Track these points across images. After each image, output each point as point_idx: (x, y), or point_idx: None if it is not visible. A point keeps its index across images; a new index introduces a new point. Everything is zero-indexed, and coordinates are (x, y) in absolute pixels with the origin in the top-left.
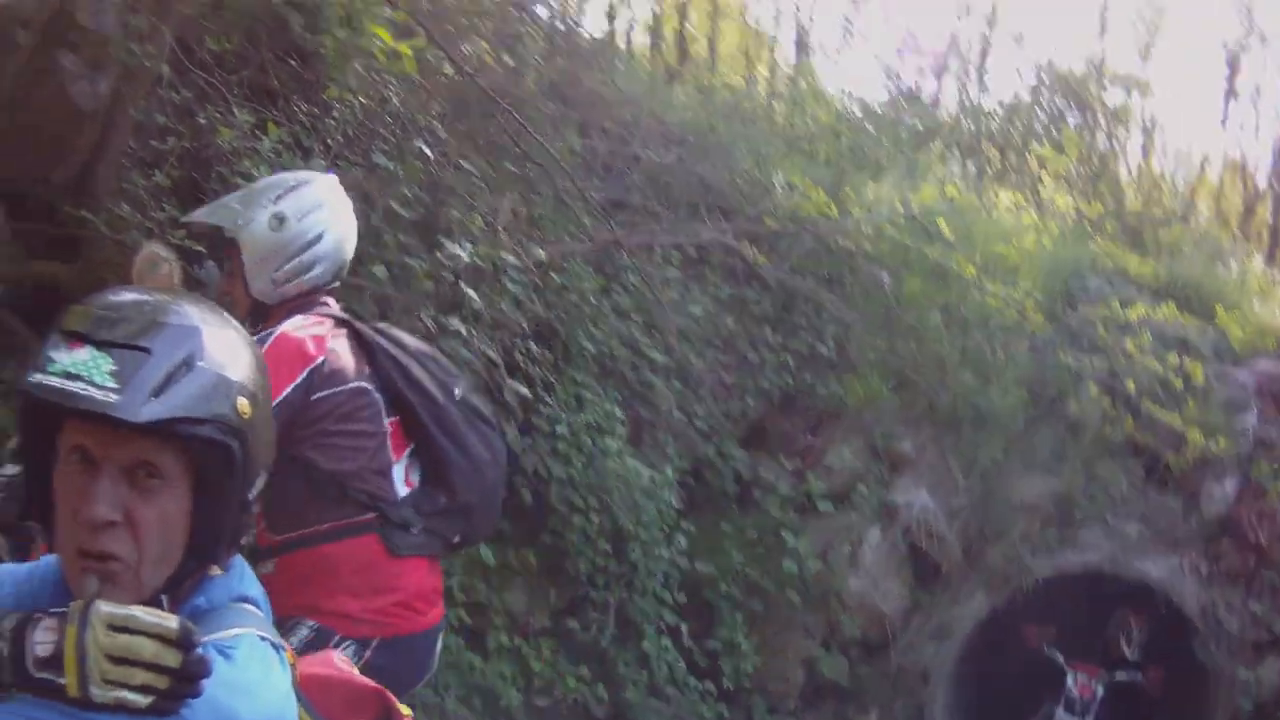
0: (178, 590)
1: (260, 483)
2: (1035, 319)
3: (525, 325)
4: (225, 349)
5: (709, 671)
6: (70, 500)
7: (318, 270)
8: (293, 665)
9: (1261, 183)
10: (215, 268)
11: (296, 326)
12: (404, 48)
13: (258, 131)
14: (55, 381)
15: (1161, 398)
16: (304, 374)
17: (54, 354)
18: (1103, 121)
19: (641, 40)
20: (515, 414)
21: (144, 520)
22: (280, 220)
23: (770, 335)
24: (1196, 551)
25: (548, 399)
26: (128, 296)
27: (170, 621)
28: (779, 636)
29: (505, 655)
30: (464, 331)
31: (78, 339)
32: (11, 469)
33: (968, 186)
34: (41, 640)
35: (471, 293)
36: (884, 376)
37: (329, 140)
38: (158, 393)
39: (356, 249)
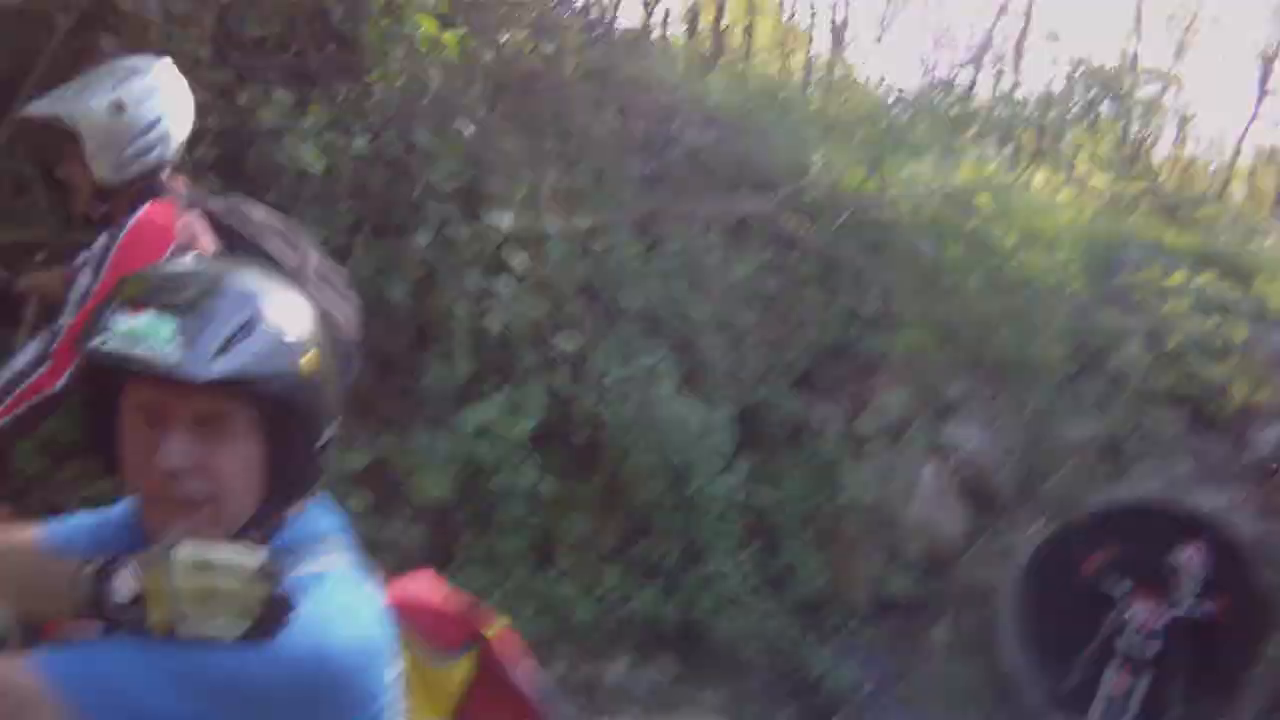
0: (257, 533)
1: (330, 430)
2: (1077, 282)
3: (569, 287)
4: (287, 311)
5: (781, 584)
6: (140, 454)
7: (156, 152)
8: (382, 590)
9: None
10: None
11: (155, 211)
12: (448, 37)
13: (297, 112)
14: (118, 346)
15: (1204, 355)
16: (166, 255)
17: (116, 319)
18: (1136, 111)
19: (677, 31)
20: (565, 364)
21: (217, 465)
22: (119, 107)
23: (816, 294)
24: (1246, 489)
25: (597, 350)
26: (188, 264)
27: (251, 557)
28: (843, 557)
29: (575, 574)
30: (509, 291)
31: (138, 304)
32: None
33: (1005, 168)
34: (121, 585)
35: (514, 259)
36: (929, 331)
37: (370, 119)
38: (220, 352)
39: (397, 218)
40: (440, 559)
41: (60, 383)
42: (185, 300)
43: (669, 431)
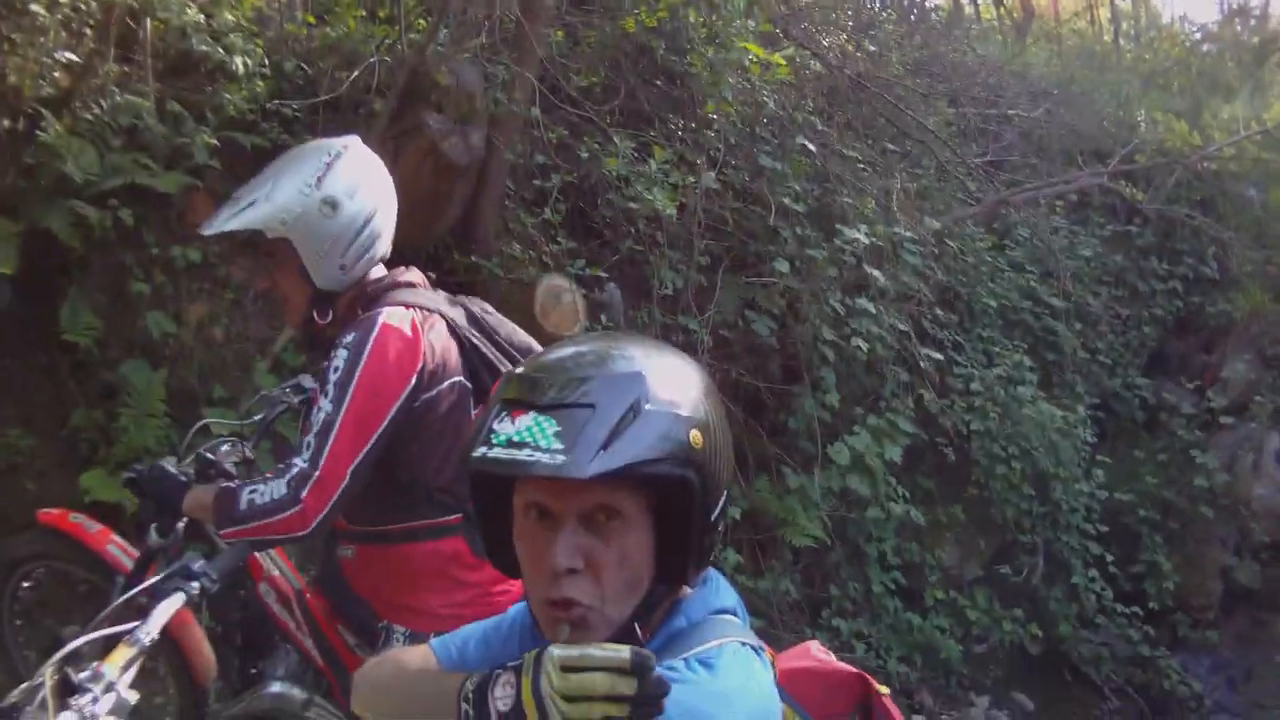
0: (650, 616)
1: (724, 501)
2: None
3: (928, 293)
4: (672, 385)
5: (1133, 596)
6: (532, 553)
7: (380, 245)
8: (773, 663)
9: None
10: (617, 290)
11: (398, 320)
12: (777, 57)
13: (639, 155)
14: (502, 454)
15: None
16: (414, 379)
17: (497, 426)
18: None
19: (986, 1)
20: (931, 378)
21: (604, 562)
22: (333, 206)
23: (1156, 265)
24: None
25: (959, 359)
26: (564, 352)
27: (622, 652)
28: (1196, 551)
29: (942, 609)
30: (872, 309)
31: (520, 407)
32: (163, 464)
33: None
34: (501, 695)
35: (875, 271)
36: (1265, 288)
37: (712, 151)
38: (606, 444)
39: (754, 249)
40: (816, 603)
41: (312, 528)
42: (565, 396)
43: (1033, 435)
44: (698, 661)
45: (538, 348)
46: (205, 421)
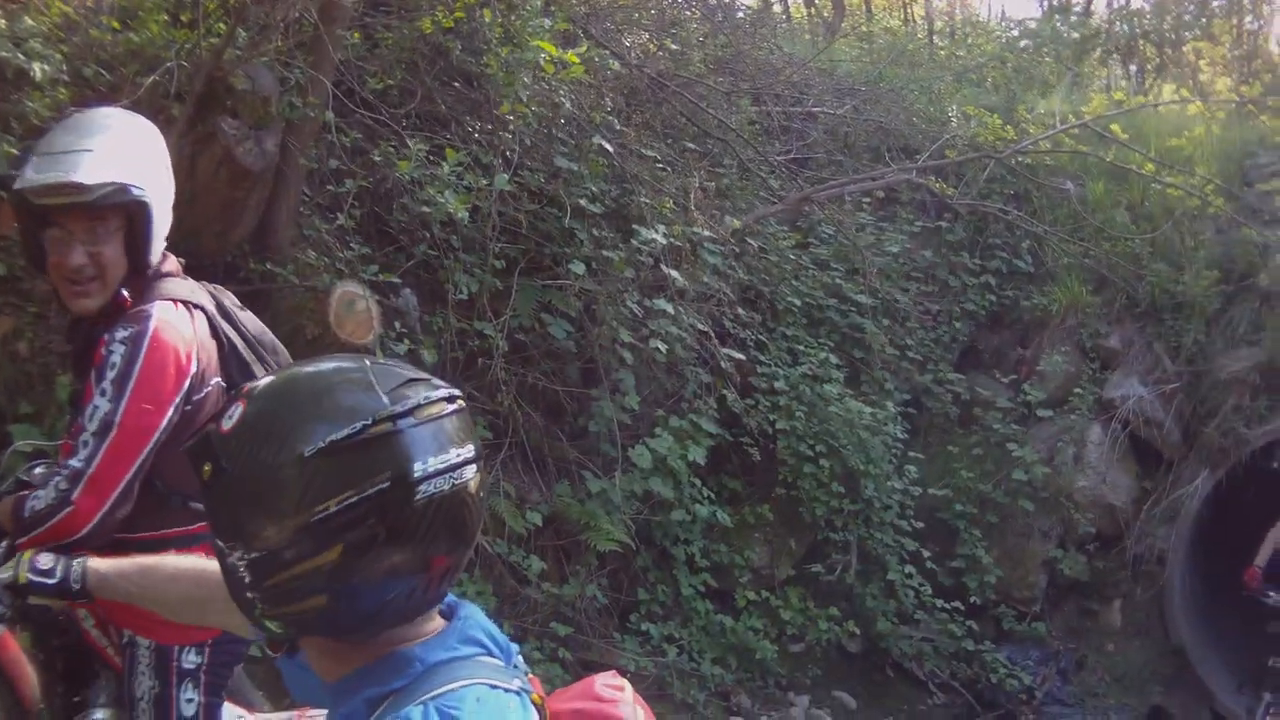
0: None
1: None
2: (1217, 202)
3: (730, 293)
4: None
5: (954, 591)
6: None
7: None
8: (539, 704)
9: None
10: (412, 296)
11: (168, 323)
12: (571, 56)
13: (433, 158)
14: None
15: None
16: (188, 380)
17: None
18: (1247, 3)
19: (796, 1)
20: (732, 378)
21: None
22: (170, 174)
23: (968, 259)
24: None
25: (762, 358)
26: None
27: None
28: (1016, 544)
29: (754, 611)
30: (670, 310)
31: None
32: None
33: (1131, 88)
34: None
35: (672, 272)
36: (1082, 280)
37: (507, 153)
38: None
39: (550, 252)
40: (625, 608)
41: (88, 529)
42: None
43: (841, 434)
44: (436, 709)
45: (283, 348)
46: (17, 445)
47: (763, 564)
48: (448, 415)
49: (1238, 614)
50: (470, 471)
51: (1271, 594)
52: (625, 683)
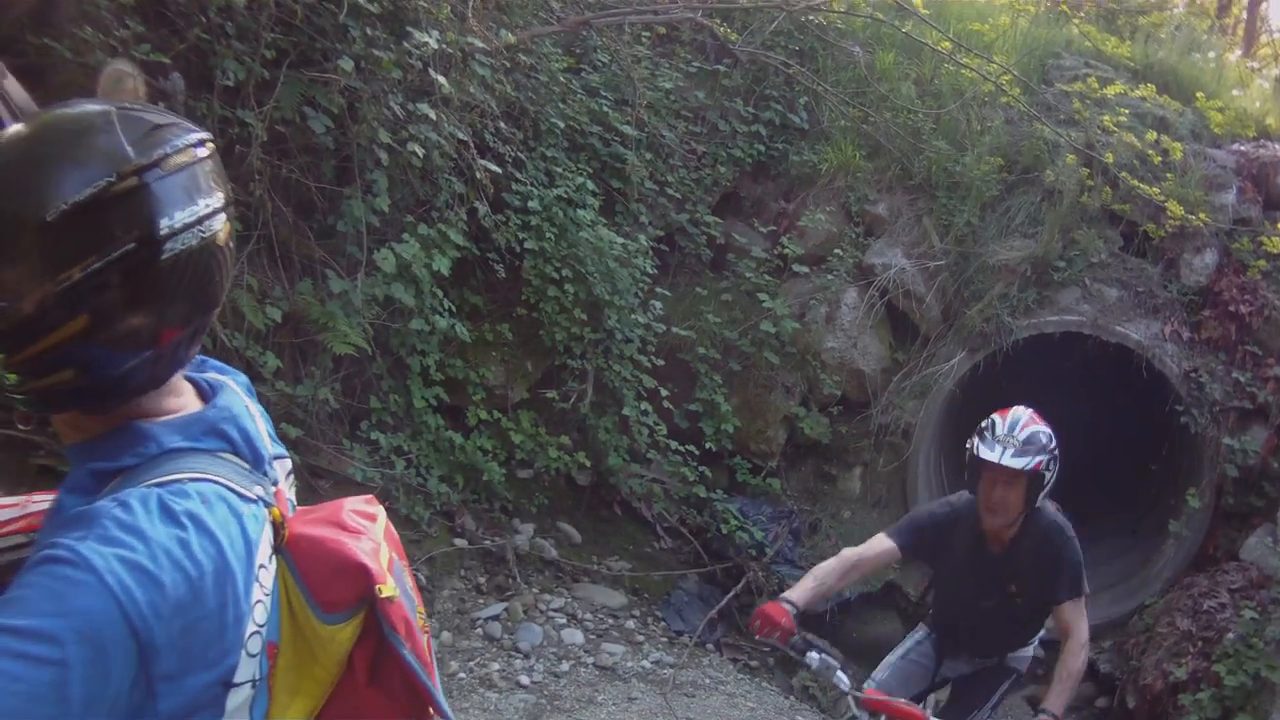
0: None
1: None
2: (1012, 92)
3: (495, 106)
4: None
5: (690, 434)
6: None
7: None
8: (278, 522)
9: None
10: (180, 79)
11: None
12: None
13: None
14: None
15: (1140, 171)
16: None
17: None
18: None
19: None
20: (486, 191)
21: None
22: None
23: (742, 107)
24: (1177, 319)
25: (519, 175)
26: None
27: None
28: (758, 397)
29: (485, 431)
30: (433, 115)
31: None
32: None
33: None
34: None
35: (440, 78)
36: (857, 145)
37: None
38: None
39: (321, 47)
40: (356, 415)
41: None
42: None
43: (590, 260)
44: (158, 499)
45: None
46: None
47: (497, 384)
48: (198, 163)
49: None
50: (219, 222)
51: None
52: (379, 510)
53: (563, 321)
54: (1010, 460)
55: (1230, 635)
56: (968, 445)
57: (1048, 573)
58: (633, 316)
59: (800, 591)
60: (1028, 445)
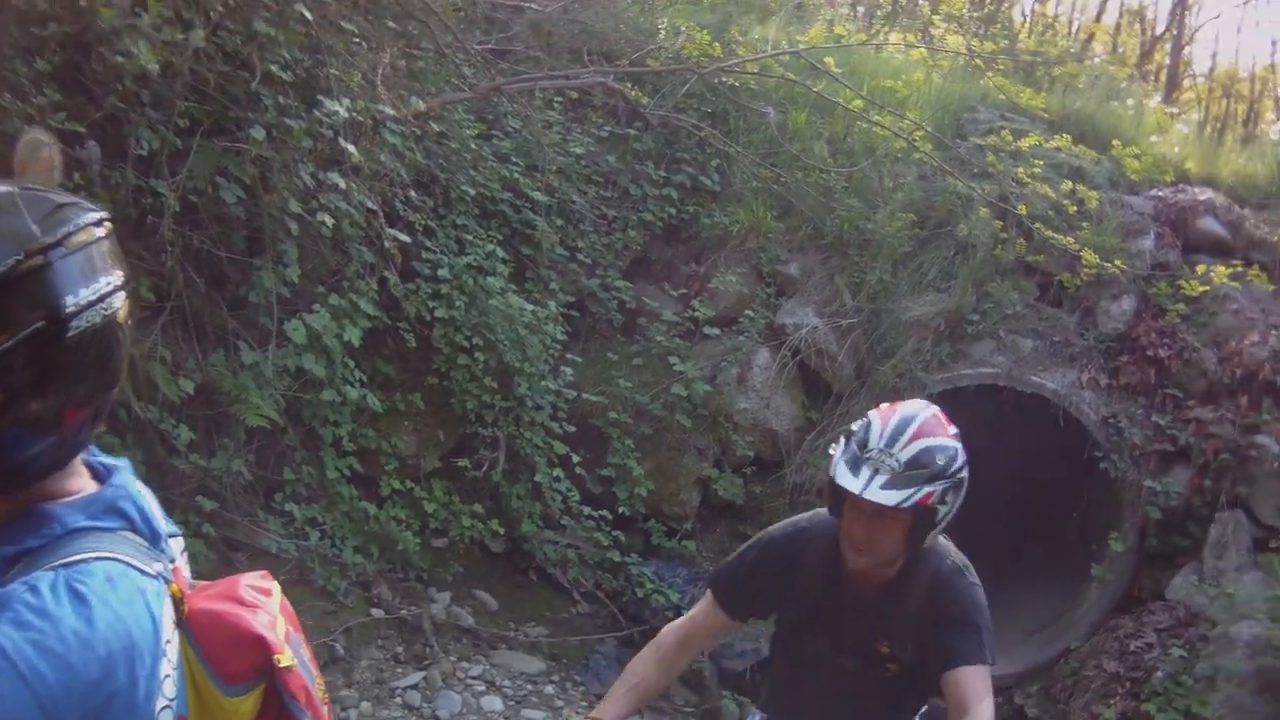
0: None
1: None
2: (924, 148)
3: (405, 174)
4: None
5: (603, 499)
6: None
7: None
8: (178, 597)
9: (1160, 26)
10: (96, 147)
11: None
12: None
13: (139, 9)
14: None
15: (1055, 222)
16: None
17: None
18: None
19: None
20: (395, 260)
21: None
22: None
23: (653, 170)
24: (1095, 366)
25: (429, 244)
26: None
27: None
28: (671, 460)
29: (399, 500)
30: (342, 184)
31: None
32: None
33: (858, 27)
34: None
35: (350, 147)
36: (768, 205)
37: (210, 12)
38: None
39: (237, 115)
40: (270, 486)
41: None
42: None
43: (500, 328)
44: (65, 580)
45: None
46: None
47: (410, 453)
48: (97, 241)
49: None
50: (119, 299)
51: None
52: (274, 586)
53: (473, 390)
54: (881, 494)
55: (1159, 674)
56: (830, 452)
57: (940, 630)
58: (543, 383)
59: (612, 705)
60: (914, 467)
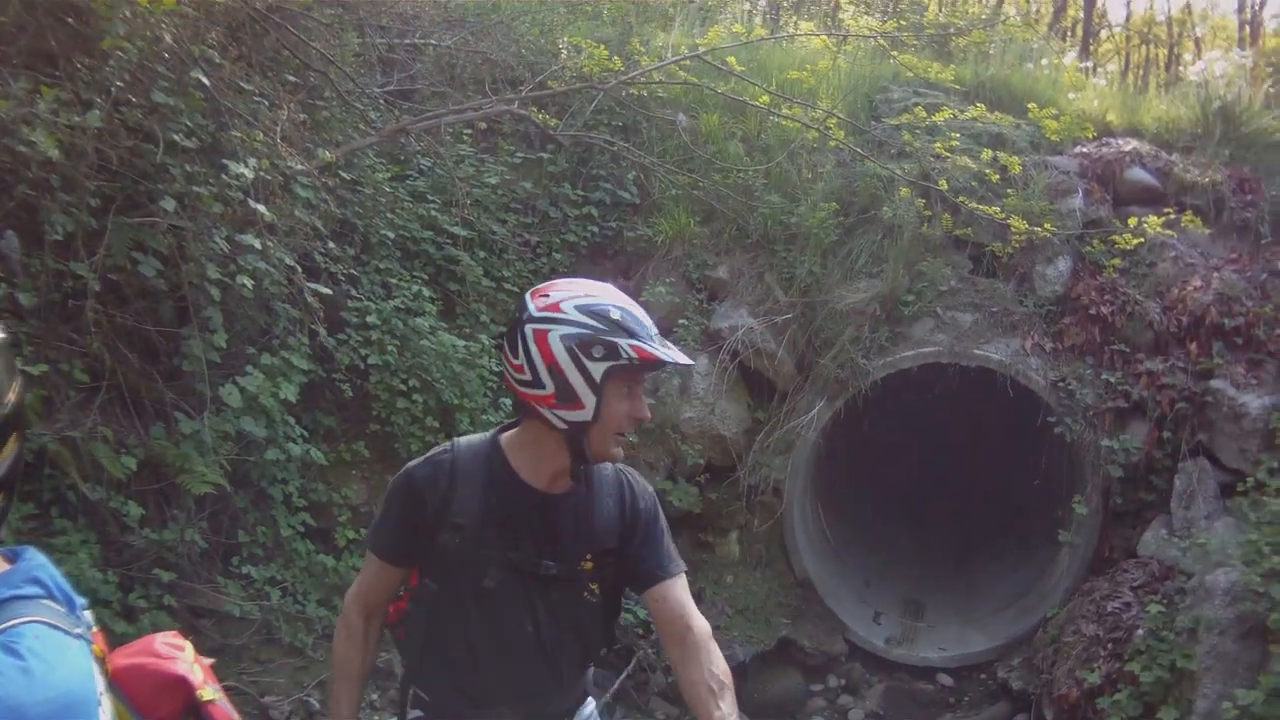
0: None
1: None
2: (838, 135)
3: (321, 226)
4: None
5: None
6: None
7: None
8: (101, 658)
9: None
10: (14, 237)
11: None
12: None
13: (35, 96)
14: None
15: (979, 192)
16: None
17: None
18: None
19: None
20: (319, 314)
21: None
22: None
23: (570, 191)
24: (1038, 332)
25: (355, 292)
26: None
27: None
28: None
29: (355, 549)
30: (258, 244)
31: None
32: None
33: (764, 22)
34: None
35: (260, 206)
36: (690, 211)
37: (111, 88)
38: None
39: (147, 188)
40: (227, 551)
41: None
42: None
43: (434, 368)
44: (4, 647)
45: None
46: None
47: (361, 502)
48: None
49: (862, 543)
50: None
51: None
52: (186, 643)
53: (416, 432)
54: (683, 356)
55: (1139, 632)
56: (607, 346)
57: (637, 538)
58: (484, 417)
59: (345, 704)
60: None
